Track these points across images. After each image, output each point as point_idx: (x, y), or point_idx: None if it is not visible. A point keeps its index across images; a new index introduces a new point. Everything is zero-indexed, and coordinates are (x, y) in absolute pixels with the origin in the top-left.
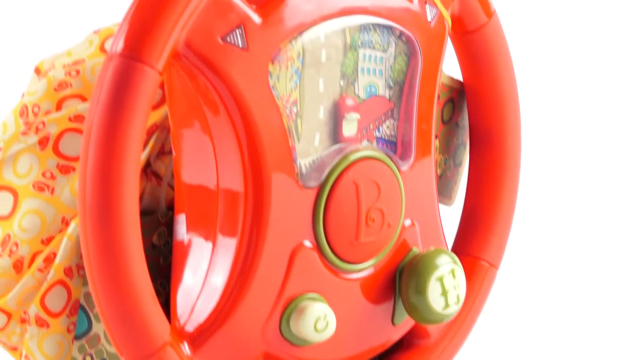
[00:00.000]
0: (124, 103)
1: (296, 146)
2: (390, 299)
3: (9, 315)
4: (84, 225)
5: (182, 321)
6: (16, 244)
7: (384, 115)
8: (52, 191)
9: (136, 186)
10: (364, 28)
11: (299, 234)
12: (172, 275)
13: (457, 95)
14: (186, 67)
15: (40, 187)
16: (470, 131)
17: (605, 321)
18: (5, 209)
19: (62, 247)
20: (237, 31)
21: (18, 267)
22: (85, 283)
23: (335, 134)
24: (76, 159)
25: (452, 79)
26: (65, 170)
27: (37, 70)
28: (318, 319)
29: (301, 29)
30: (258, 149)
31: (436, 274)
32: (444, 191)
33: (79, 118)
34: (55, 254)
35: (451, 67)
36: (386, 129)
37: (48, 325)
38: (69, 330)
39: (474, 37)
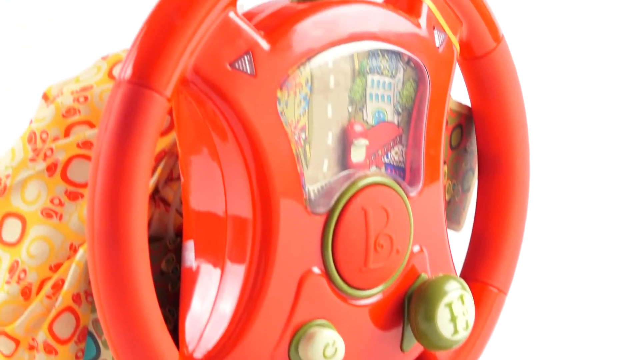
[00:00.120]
0: (132, 129)
1: (305, 172)
2: (398, 325)
3: (17, 342)
4: (92, 252)
5: (190, 348)
6: (24, 271)
7: (393, 141)
8: (61, 218)
9: (144, 213)
10: (372, 54)
11: (307, 260)
12: (181, 301)
13: (466, 120)
14: (194, 93)
15: (48, 214)
16: (479, 157)
17: (616, 349)
18: (13, 236)
19: (71, 274)
20: (246, 57)
21: (26, 293)
22: (93, 310)
23: (344, 160)
24: (84, 185)
25: (461, 105)
26: (73, 196)
27: (45, 97)
28: (327, 346)
29: (309, 55)
30: (266, 175)
31: (445, 300)
32: (453, 217)
33: (87, 144)
34: (63, 281)
35: (459, 92)
36: (394, 154)
37: (56, 352)
38: (77, 357)
39: (482, 62)
